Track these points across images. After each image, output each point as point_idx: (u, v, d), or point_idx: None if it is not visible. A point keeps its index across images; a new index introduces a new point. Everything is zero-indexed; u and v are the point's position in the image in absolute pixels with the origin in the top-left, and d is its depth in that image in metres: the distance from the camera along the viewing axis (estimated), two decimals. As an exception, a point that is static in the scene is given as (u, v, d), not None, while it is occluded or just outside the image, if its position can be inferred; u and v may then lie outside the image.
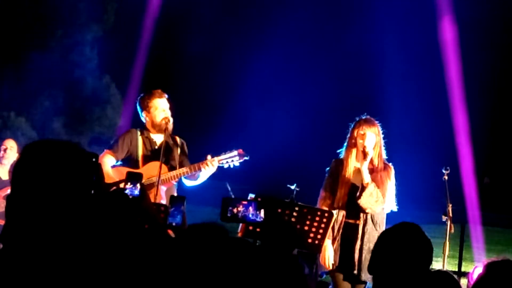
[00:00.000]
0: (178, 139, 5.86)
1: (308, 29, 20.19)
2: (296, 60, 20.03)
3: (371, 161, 5.43)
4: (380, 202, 5.34)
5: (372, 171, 5.41)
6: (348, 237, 5.38)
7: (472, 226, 13.33)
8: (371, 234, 5.32)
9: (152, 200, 5.19)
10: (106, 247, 2.61)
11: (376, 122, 5.50)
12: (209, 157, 5.65)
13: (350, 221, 5.40)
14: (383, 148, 5.49)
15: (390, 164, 5.53)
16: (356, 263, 5.31)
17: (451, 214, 5.84)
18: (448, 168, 5.87)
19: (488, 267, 2.75)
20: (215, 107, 19.97)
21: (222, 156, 5.67)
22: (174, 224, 3.46)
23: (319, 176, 5.72)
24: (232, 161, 5.68)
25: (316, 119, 20.01)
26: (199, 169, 5.61)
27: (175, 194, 5.45)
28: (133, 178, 3.05)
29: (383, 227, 5.38)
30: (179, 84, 17.16)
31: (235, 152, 5.68)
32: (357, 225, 5.35)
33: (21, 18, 13.80)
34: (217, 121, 18.83)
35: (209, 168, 5.60)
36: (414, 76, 20.62)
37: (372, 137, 5.40)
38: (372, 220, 5.36)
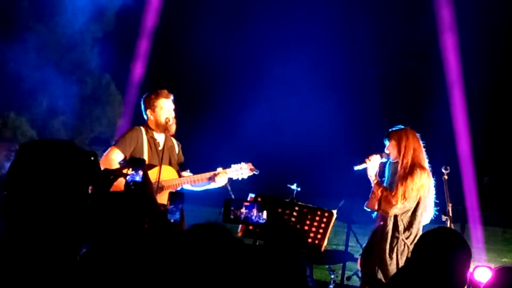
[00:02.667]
0: (174, 140, 5.85)
1: (312, 34, 20.19)
2: (297, 60, 20.02)
3: (398, 164, 5.60)
4: (388, 202, 5.44)
5: (397, 173, 5.58)
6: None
7: (472, 226, 13.32)
8: (391, 237, 5.48)
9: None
10: (108, 245, 2.61)
11: (398, 129, 5.66)
12: (219, 169, 5.64)
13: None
14: (410, 152, 5.58)
15: (425, 166, 5.60)
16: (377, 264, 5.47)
17: (451, 214, 5.84)
18: (448, 168, 5.88)
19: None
20: (216, 107, 19.96)
21: (233, 169, 5.67)
22: (172, 221, 3.40)
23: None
24: (242, 174, 5.69)
25: (316, 119, 20.01)
26: (212, 180, 5.61)
27: None
28: (136, 163, 2.95)
29: (407, 233, 5.48)
30: (179, 84, 17.15)
31: (245, 166, 5.69)
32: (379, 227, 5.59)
33: (20, 18, 13.79)
34: (218, 121, 18.82)
35: (220, 181, 5.61)
36: (415, 76, 20.61)
37: (391, 147, 5.62)
38: (395, 223, 5.52)
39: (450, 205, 5.82)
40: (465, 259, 2.78)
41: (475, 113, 18.45)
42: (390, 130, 5.74)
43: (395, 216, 5.50)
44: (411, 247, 5.35)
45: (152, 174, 5.27)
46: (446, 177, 5.86)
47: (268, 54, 19.65)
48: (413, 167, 5.54)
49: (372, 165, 5.59)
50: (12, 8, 13.65)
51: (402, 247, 5.48)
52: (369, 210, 5.64)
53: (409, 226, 5.48)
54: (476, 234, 13.15)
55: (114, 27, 14.99)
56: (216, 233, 2.21)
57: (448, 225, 5.83)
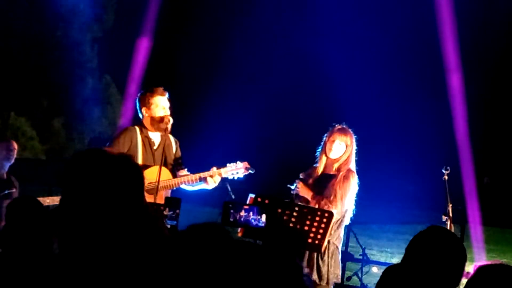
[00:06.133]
0: (171, 137, 5.74)
1: (311, 32, 20.20)
2: (298, 60, 20.04)
3: (337, 168, 5.46)
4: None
5: (336, 176, 5.44)
6: None
7: (472, 226, 13.31)
8: None
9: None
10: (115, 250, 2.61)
11: (351, 132, 5.53)
12: (214, 168, 5.56)
13: None
14: (352, 158, 5.50)
15: (355, 171, 5.52)
16: None
17: (451, 214, 5.84)
18: (448, 168, 5.87)
19: (479, 271, 2.69)
20: (215, 107, 19.96)
21: (228, 169, 5.59)
22: (169, 226, 3.43)
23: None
24: (237, 173, 5.61)
25: (316, 119, 20.00)
26: (204, 180, 5.51)
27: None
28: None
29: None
30: (179, 84, 17.15)
31: (240, 165, 5.60)
32: None
33: (21, 19, 13.80)
34: (217, 121, 18.82)
35: (213, 181, 5.53)
36: (415, 76, 20.62)
37: (341, 146, 5.46)
38: None
39: (450, 205, 5.82)
40: (459, 259, 2.75)
41: (475, 113, 18.45)
42: (343, 126, 5.55)
43: None
44: (337, 243, 5.35)
45: (147, 174, 5.23)
46: (446, 177, 5.86)
47: (267, 52, 19.64)
48: (349, 172, 5.46)
49: (301, 189, 5.48)
50: (13, 8, 13.66)
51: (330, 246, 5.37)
52: None
53: (338, 227, 5.42)
54: (476, 234, 13.14)
55: (114, 27, 15.01)
56: (213, 233, 2.21)
57: (448, 225, 5.83)
